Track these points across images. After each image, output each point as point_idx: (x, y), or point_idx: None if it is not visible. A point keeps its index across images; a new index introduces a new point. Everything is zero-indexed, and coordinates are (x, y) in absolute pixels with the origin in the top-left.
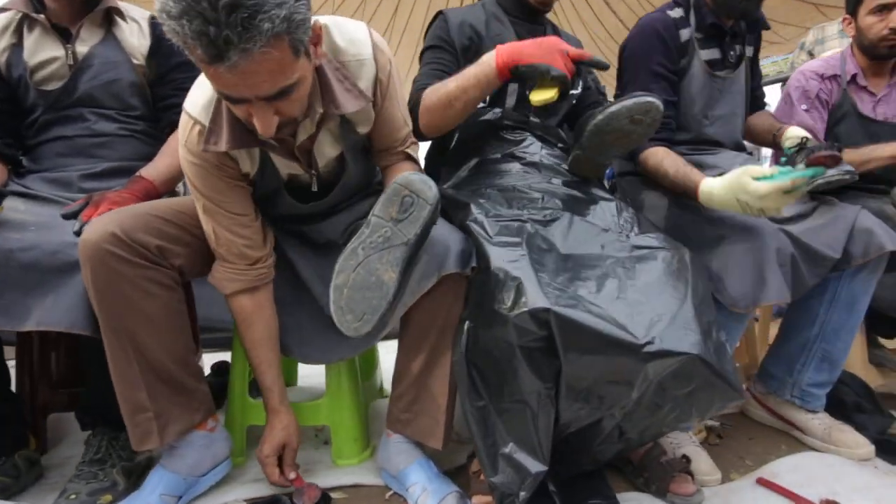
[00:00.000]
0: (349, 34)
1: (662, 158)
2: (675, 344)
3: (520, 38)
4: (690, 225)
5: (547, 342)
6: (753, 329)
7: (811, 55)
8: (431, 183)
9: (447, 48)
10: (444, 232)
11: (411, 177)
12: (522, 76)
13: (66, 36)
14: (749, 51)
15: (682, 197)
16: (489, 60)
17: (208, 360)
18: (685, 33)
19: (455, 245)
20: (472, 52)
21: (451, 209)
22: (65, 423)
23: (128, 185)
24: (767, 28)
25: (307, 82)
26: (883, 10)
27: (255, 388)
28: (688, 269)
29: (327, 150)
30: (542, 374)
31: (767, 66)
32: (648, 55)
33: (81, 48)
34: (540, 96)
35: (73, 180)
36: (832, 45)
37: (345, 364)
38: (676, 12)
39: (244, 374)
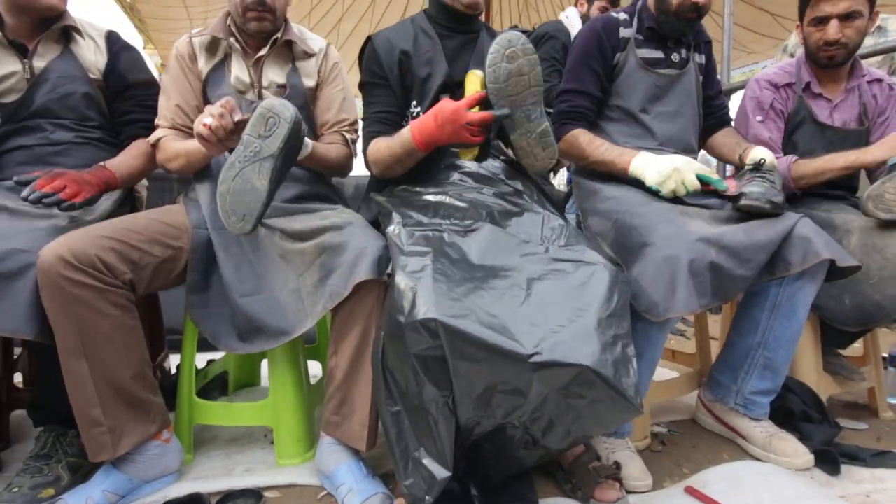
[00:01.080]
0: (312, 34)
1: (594, 136)
2: (566, 355)
3: (447, 52)
4: (625, 232)
5: (441, 350)
6: (707, 337)
7: (793, 57)
8: (290, 105)
9: (381, 82)
10: (363, 240)
11: (273, 101)
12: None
13: (23, 51)
14: (700, 58)
15: (611, 176)
16: (410, 137)
17: (175, 360)
18: (626, 32)
19: (372, 252)
20: (403, 71)
21: (381, 216)
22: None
23: (92, 169)
24: (708, 41)
25: None
26: (821, 21)
27: (204, 390)
28: (604, 284)
29: (273, 75)
30: (439, 382)
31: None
32: (586, 51)
33: (39, 63)
34: (466, 155)
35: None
36: None
37: (288, 366)
38: (622, 15)
39: (191, 374)
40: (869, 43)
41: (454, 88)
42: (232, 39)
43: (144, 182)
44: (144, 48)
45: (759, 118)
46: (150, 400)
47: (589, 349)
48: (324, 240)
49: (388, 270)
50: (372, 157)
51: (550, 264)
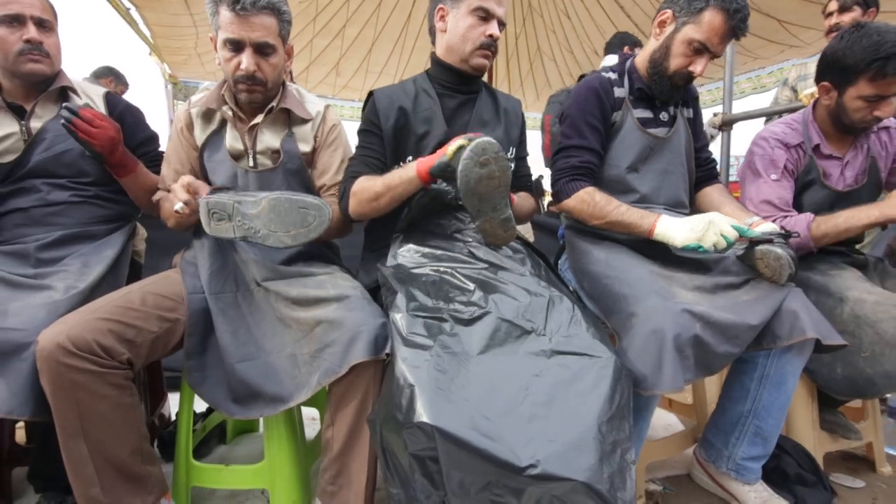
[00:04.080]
0: (312, 96)
1: (609, 196)
2: (562, 468)
3: (446, 112)
4: (615, 300)
5: (437, 452)
6: (704, 392)
7: (794, 91)
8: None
9: (375, 131)
10: (360, 316)
11: (208, 196)
12: (441, 174)
13: (21, 113)
14: (688, 112)
15: (617, 238)
16: (412, 168)
17: (174, 397)
18: (619, 92)
19: (369, 331)
20: (400, 127)
21: (385, 291)
22: None
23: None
24: (696, 96)
25: (280, 63)
26: (880, 99)
27: (200, 450)
28: (607, 382)
29: (268, 138)
30: (434, 482)
31: (787, 67)
32: (585, 108)
33: (35, 124)
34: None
35: (30, 252)
36: None
37: (284, 428)
38: (612, 75)
39: (189, 438)
40: None
41: None
42: (225, 108)
43: (144, 234)
44: (151, 55)
45: (774, 176)
46: (149, 472)
47: (585, 462)
48: (319, 313)
49: (387, 350)
50: (357, 188)
51: (552, 358)
